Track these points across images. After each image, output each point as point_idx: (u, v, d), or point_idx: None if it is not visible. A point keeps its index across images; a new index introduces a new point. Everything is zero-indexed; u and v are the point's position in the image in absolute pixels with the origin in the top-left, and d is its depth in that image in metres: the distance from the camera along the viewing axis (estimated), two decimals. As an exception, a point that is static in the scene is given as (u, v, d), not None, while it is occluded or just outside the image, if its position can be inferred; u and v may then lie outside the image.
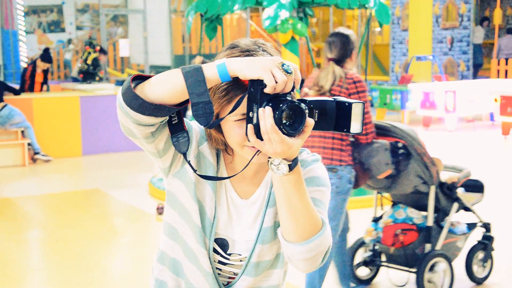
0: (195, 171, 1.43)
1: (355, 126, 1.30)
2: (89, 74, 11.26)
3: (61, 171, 8.41)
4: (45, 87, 10.34)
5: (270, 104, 1.26)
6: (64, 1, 17.84)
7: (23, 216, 6.32)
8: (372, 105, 11.89)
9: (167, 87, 1.30)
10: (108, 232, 5.63)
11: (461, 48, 15.46)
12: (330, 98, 1.33)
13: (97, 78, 11.27)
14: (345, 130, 1.30)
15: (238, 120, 1.38)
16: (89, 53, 11.24)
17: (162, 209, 6.03)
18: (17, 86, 10.23)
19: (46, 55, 10.22)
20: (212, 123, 1.30)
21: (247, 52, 1.41)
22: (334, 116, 1.32)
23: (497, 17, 13.62)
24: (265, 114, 1.25)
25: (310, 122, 1.28)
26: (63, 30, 17.89)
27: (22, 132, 8.86)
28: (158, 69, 15.09)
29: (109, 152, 9.54)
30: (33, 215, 6.44)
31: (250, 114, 1.28)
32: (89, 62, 11.22)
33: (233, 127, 1.40)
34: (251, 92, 1.27)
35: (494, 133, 10.88)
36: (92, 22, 18.10)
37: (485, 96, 10.93)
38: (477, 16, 16.39)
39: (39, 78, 10.15)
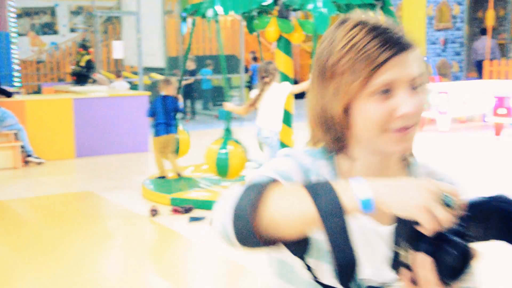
0: (315, 278, 1.11)
1: None
2: (82, 76, 11.25)
3: (54, 174, 8.38)
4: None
5: (431, 249, 0.95)
6: (57, 3, 17.81)
7: (16, 219, 6.30)
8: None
9: (294, 223, 0.97)
10: (101, 234, 5.62)
11: (454, 49, 15.51)
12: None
13: (90, 80, 11.26)
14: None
15: (378, 95, 1.06)
16: (82, 55, 11.23)
17: (155, 211, 6.01)
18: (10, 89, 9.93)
19: None
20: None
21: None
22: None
23: (490, 18, 13.67)
24: (427, 266, 0.94)
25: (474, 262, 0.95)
26: (56, 32, 17.85)
27: (15, 134, 8.84)
28: (152, 70, 15.08)
29: (102, 154, 9.52)
30: (26, 217, 6.41)
31: (397, 249, 0.98)
32: (82, 64, 11.21)
33: (371, 104, 1.06)
34: (399, 225, 0.98)
35: (486, 133, 10.91)
36: (85, 24, 18.07)
37: (478, 96, 10.96)
38: (470, 17, 16.44)
39: None
